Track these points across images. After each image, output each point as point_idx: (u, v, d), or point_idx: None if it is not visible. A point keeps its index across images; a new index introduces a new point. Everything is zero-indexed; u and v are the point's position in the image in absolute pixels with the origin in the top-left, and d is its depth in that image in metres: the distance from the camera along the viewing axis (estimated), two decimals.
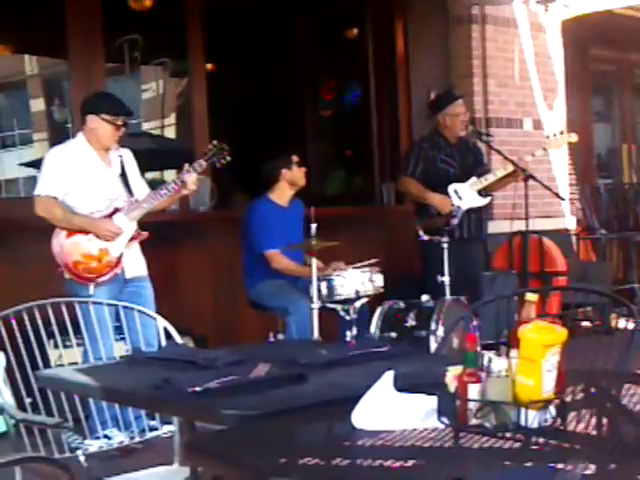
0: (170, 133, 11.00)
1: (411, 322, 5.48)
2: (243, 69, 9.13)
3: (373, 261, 5.27)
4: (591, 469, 1.76)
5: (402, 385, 2.22)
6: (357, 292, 5.14)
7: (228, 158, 4.82)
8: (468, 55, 7.57)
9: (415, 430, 2.09)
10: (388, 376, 2.23)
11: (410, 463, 1.89)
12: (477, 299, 5.46)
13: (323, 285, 5.05)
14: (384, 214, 7.56)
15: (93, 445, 4.11)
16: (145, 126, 10.90)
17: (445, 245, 5.60)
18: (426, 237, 5.69)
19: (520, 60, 7.83)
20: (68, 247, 4.55)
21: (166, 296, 4.85)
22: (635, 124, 10.41)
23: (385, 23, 7.82)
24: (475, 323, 4.81)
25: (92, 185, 4.61)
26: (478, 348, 2.17)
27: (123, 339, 4.18)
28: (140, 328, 3.72)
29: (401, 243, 6.67)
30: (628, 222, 9.07)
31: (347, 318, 5.11)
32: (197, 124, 6.61)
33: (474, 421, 2.06)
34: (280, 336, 5.24)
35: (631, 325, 3.37)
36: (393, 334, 5.44)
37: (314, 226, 4.94)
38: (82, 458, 2.97)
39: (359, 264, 5.25)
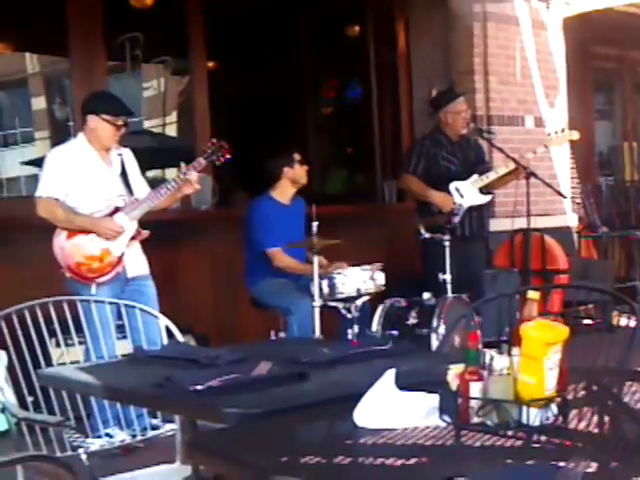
0: (171, 131, 11.01)
1: (412, 320, 5.48)
2: (243, 67, 9.13)
3: (377, 265, 5.25)
4: (593, 467, 1.76)
5: (404, 383, 2.22)
6: (358, 290, 5.14)
7: (227, 156, 4.82)
8: (469, 53, 7.55)
9: (417, 428, 2.09)
10: (390, 374, 2.23)
11: (412, 461, 1.88)
12: (478, 297, 5.45)
13: (325, 283, 5.05)
14: (385, 212, 7.56)
15: (95, 444, 4.12)
16: (146, 124, 10.91)
17: (447, 243, 5.60)
18: (428, 235, 5.69)
19: (521, 58, 7.82)
20: (69, 249, 4.55)
21: (167, 294, 4.84)
22: (636, 122, 10.39)
23: (386, 21, 7.82)
24: (477, 321, 4.81)
25: (93, 185, 4.61)
26: (480, 346, 2.16)
27: (125, 337, 4.18)
28: (143, 327, 3.72)
29: (402, 241, 6.66)
30: (630, 220, 9.07)
31: (348, 316, 5.11)
32: (198, 122, 6.61)
33: (476, 419, 2.06)
34: (282, 334, 5.24)
35: (633, 323, 3.37)
36: (394, 332, 5.44)
37: (315, 224, 4.94)
38: (84, 457, 2.98)
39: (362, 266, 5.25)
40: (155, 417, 3.97)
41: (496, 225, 7.01)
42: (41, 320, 3.35)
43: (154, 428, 3.88)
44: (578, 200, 8.72)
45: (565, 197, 7.38)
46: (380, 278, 5.22)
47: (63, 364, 4.00)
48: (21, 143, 10.76)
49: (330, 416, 2.24)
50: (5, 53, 8.73)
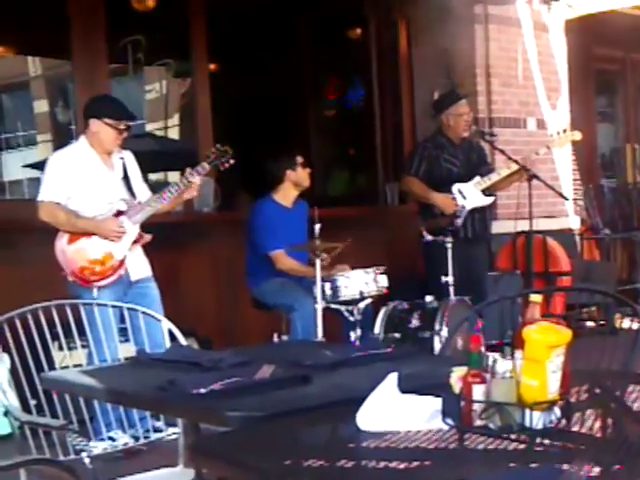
0: (174, 134, 11.01)
1: (415, 323, 5.48)
2: (244, 69, 9.14)
3: (380, 268, 5.25)
4: (596, 470, 1.75)
5: (406, 386, 2.22)
6: (361, 293, 5.14)
7: (231, 161, 4.83)
8: (471, 55, 7.56)
9: (420, 431, 2.08)
10: (392, 377, 2.23)
11: (415, 464, 1.88)
12: (481, 299, 5.45)
13: (327, 286, 5.05)
14: (388, 214, 7.56)
15: (98, 447, 4.12)
16: (149, 127, 10.92)
17: (449, 245, 5.60)
18: (430, 237, 5.68)
19: (523, 60, 7.83)
20: (72, 254, 4.55)
21: (170, 297, 4.85)
22: (639, 123, 10.39)
23: (388, 22, 7.82)
24: (479, 323, 4.80)
25: (95, 189, 4.61)
26: (482, 349, 2.16)
27: (128, 341, 4.18)
28: (146, 330, 3.72)
29: (405, 243, 6.66)
30: (632, 222, 9.07)
31: (351, 319, 5.11)
32: (201, 124, 6.62)
33: (479, 422, 2.06)
34: (284, 337, 5.24)
35: (635, 325, 3.37)
36: (397, 335, 5.43)
37: (318, 227, 4.94)
38: (87, 460, 2.98)
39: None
40: (158, 420, 3.96)
41: (498, 227, 7.00)
42: (44, 323, 3.35)
43: (157, 431, 3.88)
44: (580, 202, 8.72)
45: (567, 199, 7.37)
46: (382, 281, 5.22)
47: (66, 367, 3.99)
48: (23, 146, 10.77)
49: (333, 419, 2.24)
50: (8, 56, 8.74)
